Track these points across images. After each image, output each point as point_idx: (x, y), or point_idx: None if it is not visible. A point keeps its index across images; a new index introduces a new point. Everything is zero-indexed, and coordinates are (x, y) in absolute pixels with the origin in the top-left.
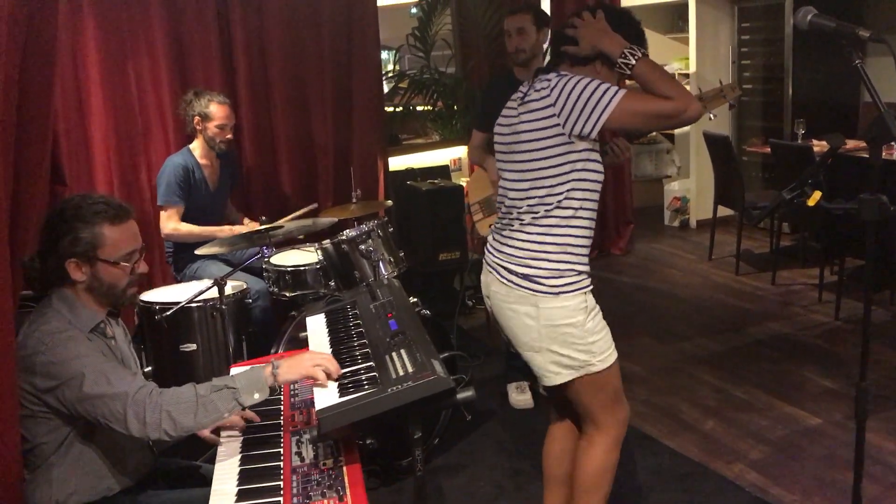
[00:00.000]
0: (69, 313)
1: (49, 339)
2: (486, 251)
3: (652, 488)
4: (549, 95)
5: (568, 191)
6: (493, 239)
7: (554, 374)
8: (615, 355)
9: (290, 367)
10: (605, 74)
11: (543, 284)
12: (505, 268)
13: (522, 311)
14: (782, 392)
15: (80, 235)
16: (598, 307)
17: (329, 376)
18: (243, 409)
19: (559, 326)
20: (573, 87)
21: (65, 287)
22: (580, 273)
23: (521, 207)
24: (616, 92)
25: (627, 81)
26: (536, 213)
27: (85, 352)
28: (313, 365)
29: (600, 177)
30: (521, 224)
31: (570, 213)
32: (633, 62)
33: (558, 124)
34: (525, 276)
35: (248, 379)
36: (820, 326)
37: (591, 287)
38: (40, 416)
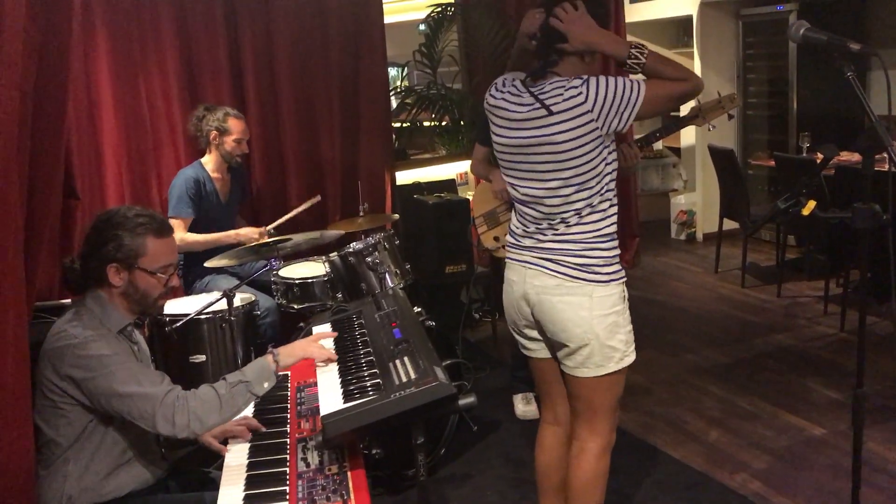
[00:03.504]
0: (101, 313)
1: (81, 334)
2: (514, 255)
3: (656, 498)
4: (584, 102)
5: (606, 184)
6: (528, 241)
7: (596, 367)
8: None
9: (289, 353)
10: (590, 66)
11: (599, 273)
12: (555, 261)
13: (576, 303)
14: (786, 403)
15: (125, 243)
16: None
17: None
18: (257, 398)
19: (609, 315)
20: (606, 88)
21: (100, 290)
22: (620, 261)
23: (566, 211)
24: (640, 85)
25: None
26: (581, 211)
27: (116, 350)
28: (309, 347)
29: (617, 162)
30: (566, 226)
31: (607, 203)
32: (644, 61)
33: (597, 128)
34: (582, 267)
35: (256, 371)
36: (825, 338)
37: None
38: (61, 407)
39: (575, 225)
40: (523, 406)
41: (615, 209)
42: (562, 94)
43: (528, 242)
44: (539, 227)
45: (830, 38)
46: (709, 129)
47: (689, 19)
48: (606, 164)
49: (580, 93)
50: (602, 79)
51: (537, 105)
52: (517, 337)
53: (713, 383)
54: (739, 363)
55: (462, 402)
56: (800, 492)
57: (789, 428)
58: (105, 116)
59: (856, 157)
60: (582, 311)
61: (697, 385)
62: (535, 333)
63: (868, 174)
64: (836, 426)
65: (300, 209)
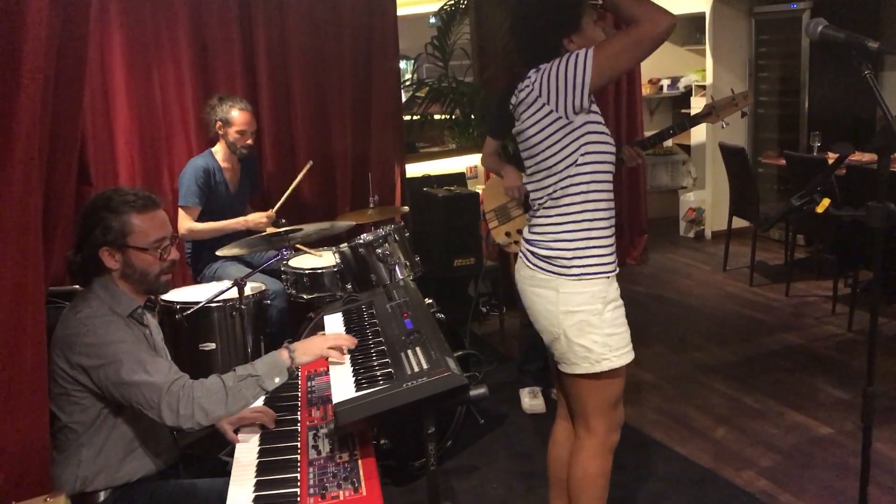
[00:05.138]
0: (109, 298)
1: (91, 322)
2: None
3: (663, 494)
4: (532, 90)
5: (577, 167)
6: (525, 230)
7: (571, 364)
8: (631, 356)
9: (305, 350)
10: (583, 39)
11: (564, 266)
12: (531, 252)
13: (544, 296)
14: (794, 401)
15: (110, 224)
16: (620, 301)
17: (343, 352)
18: (267, 393)
19: (576, 313)
20: (550, 72)
21: (104, 276)
22: (603, 257)
23: (541, 198)
24: (586, 52)
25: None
26: (553, 194)
27: (124, 337)
28: (327, 345)
29: (607, 147)
30: (543, 210)
31: (582, 187)
32: None
33: (552, 111)
34: (547, 259)
35: (267, 365)
36: (833, 338)
37: (614, 273)
38: (73, 395)
39: (547, 209)
40: (530, 400)
41: (595, 196)
42: (517, 90)
43: (525, 232)
44: (531, 215)
45: (848, 36)
46: (722, 127)
47: (701, 17)
48: (580, 146)
49: (529, 84)
50: (549, 65)
51: (514, 100)
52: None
53: (720, 381)
54: (747, 361)
55: (473, 392)
56: (806, 490)
57: (796, 426)
58: (118, 104)
59: (867, 157)
60: (549, 304)
61: (705, 382)
62: None
63: (883, 173)
64: (842, 425)
65: (297, 180)
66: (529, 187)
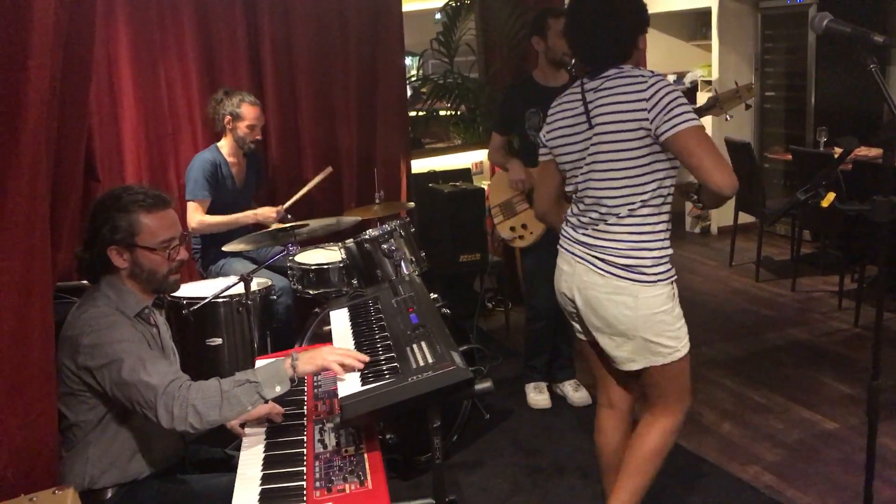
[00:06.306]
0: (117, 298)
1: (95, 322)
2: (567, 245)
3: (668, 489)
4: (644, 90)
5: (661, 180)
6: (581, 234)
7: (642, 360)
8: (689, 343)
9: (308, 360)
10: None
11: (645, 273)
12: (603, 259)
13: (621, 301)
14: (800, 396)
15: (119, 223)
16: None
17: (345, 367)
18: (266, 401)
19: (655, 314)
20: (668, 91)
21: (112, 274)
22: (670, 262)
23: (613, 204)
24: (696, 120)
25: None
26: (633, 204)
27: (127, 337)
28: (331, 357)
29: (676, 162)
30: (617, 218)
31: (660, 200)
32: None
33: (646, 118)
34: (627, 267)
35: (268, 373)
36: (839, 333)
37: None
38: (79, 394)
39: (625, 217)
40: (535, 395)
41: (668, 207)
42: (625, 80)
43: (580, 237)
44: (590, 217)
45: (854, 30)
46: (726, 119)
47: (707, 11)
48: (660, 161)
49: (643, 81)
50: (670, 84)
51: (596, 99)
52: (570, 320)
53: (726, 376)
54: (753, 356)
55: (478, 386)
56: (811, 485)
57: (802, 421)
58: (125, 100)
59: (873, 152)
60: (626, 310)
61: (711, 378)
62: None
63: (888, 167)
64: (848, 420)
65: (313, 183)
66: (595, 193)
